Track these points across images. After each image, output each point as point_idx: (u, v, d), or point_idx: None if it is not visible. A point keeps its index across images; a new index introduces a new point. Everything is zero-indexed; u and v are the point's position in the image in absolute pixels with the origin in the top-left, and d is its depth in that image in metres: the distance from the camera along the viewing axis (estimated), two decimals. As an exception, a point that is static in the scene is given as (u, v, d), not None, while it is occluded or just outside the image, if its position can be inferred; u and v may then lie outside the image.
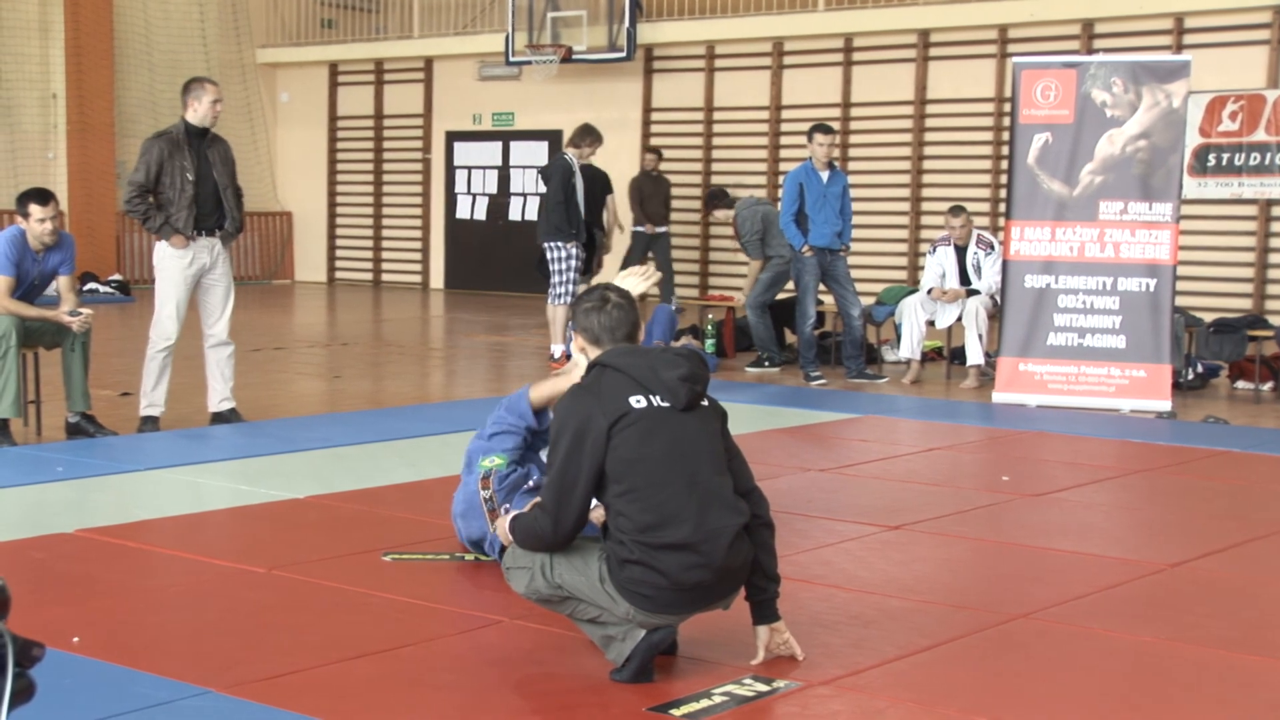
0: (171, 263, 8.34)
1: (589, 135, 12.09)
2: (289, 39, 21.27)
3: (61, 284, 8.05)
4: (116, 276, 18.57)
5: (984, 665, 4.33)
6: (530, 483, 5.11)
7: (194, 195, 8.26)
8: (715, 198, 12.34)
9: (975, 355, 11.03)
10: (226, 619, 4.63)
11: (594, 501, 4.07)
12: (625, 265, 12.05)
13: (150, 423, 8.32)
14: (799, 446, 8.31)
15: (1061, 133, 10.07)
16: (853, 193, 11.64)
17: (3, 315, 7.72)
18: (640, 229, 16.09)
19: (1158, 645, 4.52)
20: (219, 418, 8.53)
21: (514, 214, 19.40)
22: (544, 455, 5.10)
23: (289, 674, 4.06)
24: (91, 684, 3.92)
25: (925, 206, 16.69)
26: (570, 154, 11.97)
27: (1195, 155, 14.71)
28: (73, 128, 18.81)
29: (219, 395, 8.55)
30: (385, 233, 21.18)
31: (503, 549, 4.40)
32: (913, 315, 11.27)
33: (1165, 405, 9.86)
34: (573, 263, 11.77)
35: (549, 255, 11.83)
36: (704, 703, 3.87)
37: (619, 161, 18.76)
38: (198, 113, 8.31)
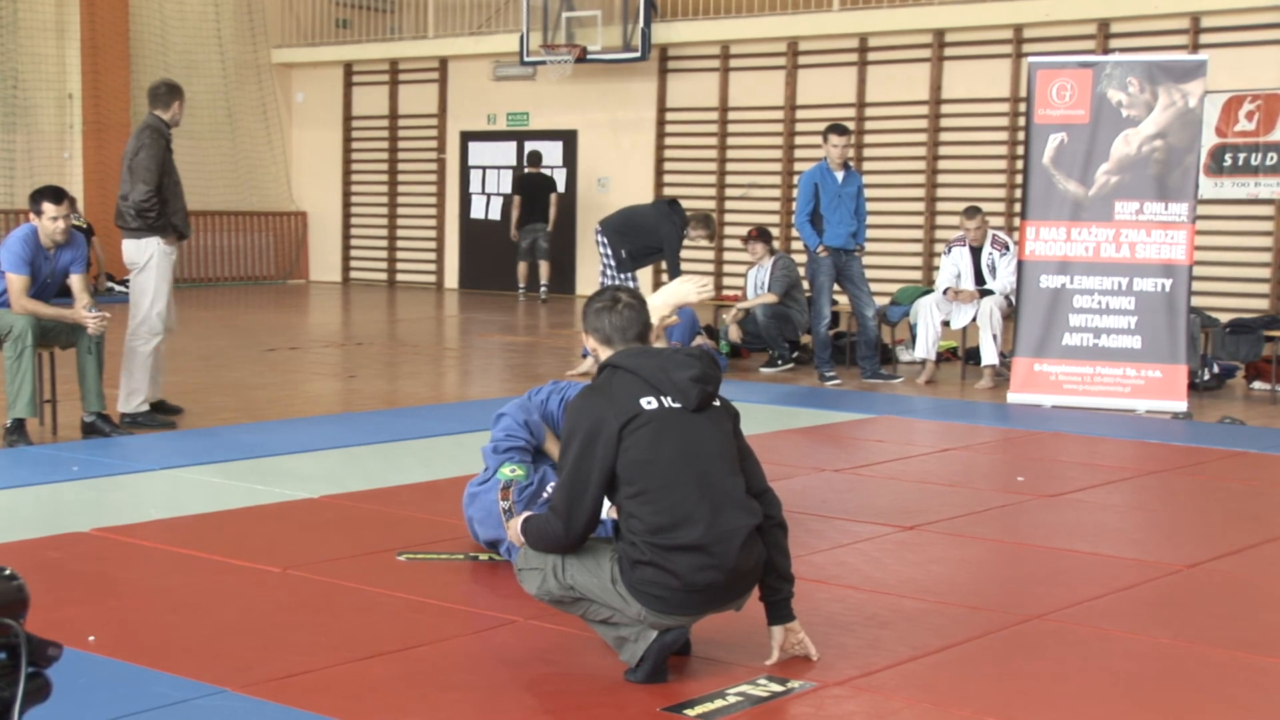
0: (166, 260, 8.54)
1: (704, 224, 12.18)
2: (304, 39, 21.30)
3: (74, 283, 8.07)
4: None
5: (999, 666, 4.32)
6: (547, 491, 5.12)
7: (181, 195, 8.59)
8: (764, 236, 12.39)
9: (990, 356, 11.01)
10: (241, 618, 4.64)
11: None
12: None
13: (150, 415, 8.49)
14: (814, 447, 8.31)
15: (1077, 133, 10.05)
16: (868, 193, 11.64)
17: (20, 315, 7.75)
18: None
19: (1174, 647, 4.51)
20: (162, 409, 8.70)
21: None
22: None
23: (304, 673, 4.07)
24: (107, 683, 3.93)
25: (940, 207, 16.66)
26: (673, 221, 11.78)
27: (1211, 155, 14.66)
28: (89, 128, 18.87)
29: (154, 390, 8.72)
30: (400, 233, 21.21)
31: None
32: (928, 315, 11.25)
33: (1181, 406, 9.83)
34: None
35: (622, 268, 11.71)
36: (718, 703, 3.87)
37: (633, 160, 18.82)
38: (176, 115, 8.57)
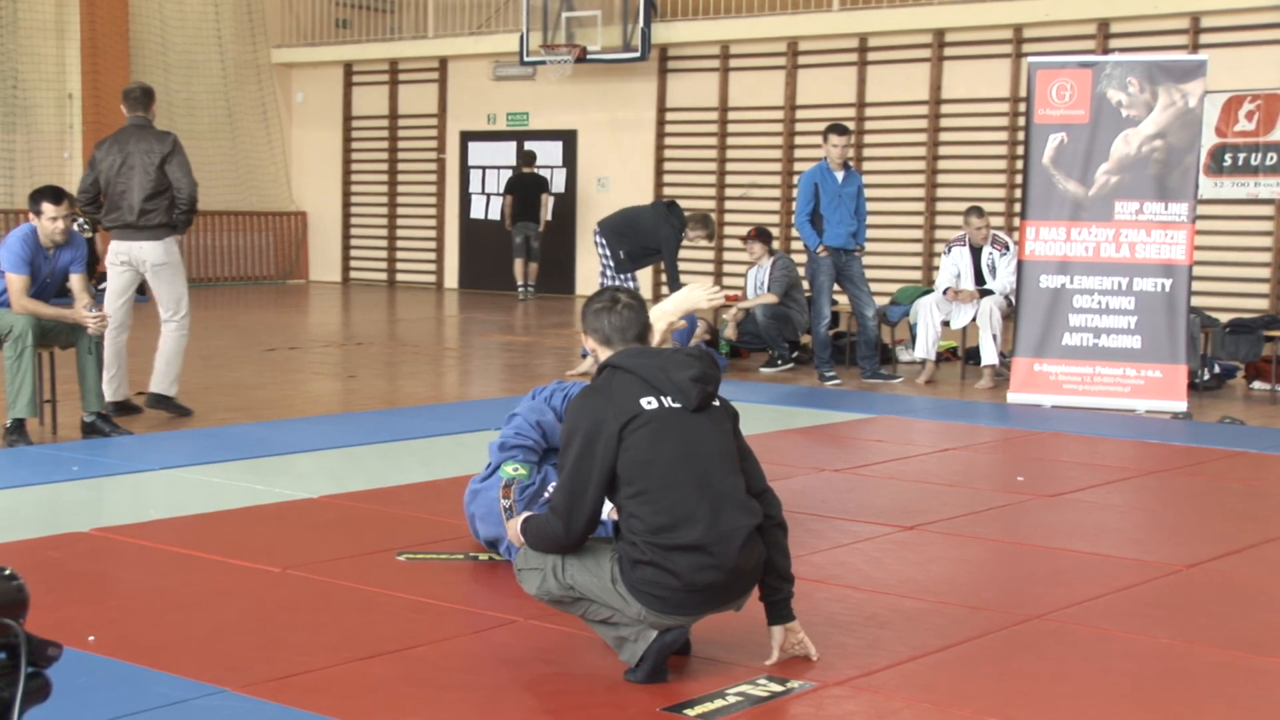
0: (180, 258, 8.82)
1: (703, 224, 12.29)
2: (304, 39, 21.30)
3: (74, 283, 8.08)
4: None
5: (999, 666, 4.32)
6: (548, 492, 5.12)
7: None
8: (763, 236, 12.42)
9: (990, 355, 11.01)
10: (241, 618, 4.64)
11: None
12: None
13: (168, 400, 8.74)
14: (813, 447, 8.30)
15: (1077, 133, 10.05)
16: (867, 193, 11.64)
17: (20, 315, 7.75)
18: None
19: (1173, 646, 4.51)
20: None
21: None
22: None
23: (303, 673, 4.07)
24: (106, 683, 3.93)
25: (940, 207, 16.67)
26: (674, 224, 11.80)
27: (1211, 155, 14.66)
28: (89, 128, 18.85)
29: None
30: (400, 233, 21.21)
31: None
32: (928, 315, 11.25)
33: (1181, 406, 9.83)
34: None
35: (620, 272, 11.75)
36: (718, 703, 3.87)
37: (633, 160, 18.82)
38: (154, 115, 8.78)
